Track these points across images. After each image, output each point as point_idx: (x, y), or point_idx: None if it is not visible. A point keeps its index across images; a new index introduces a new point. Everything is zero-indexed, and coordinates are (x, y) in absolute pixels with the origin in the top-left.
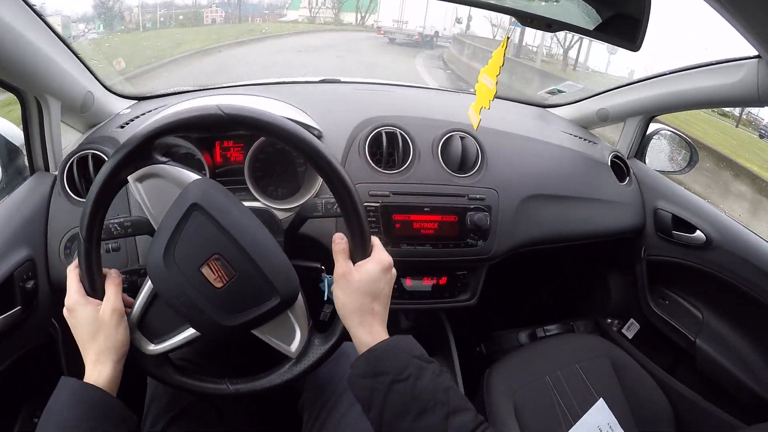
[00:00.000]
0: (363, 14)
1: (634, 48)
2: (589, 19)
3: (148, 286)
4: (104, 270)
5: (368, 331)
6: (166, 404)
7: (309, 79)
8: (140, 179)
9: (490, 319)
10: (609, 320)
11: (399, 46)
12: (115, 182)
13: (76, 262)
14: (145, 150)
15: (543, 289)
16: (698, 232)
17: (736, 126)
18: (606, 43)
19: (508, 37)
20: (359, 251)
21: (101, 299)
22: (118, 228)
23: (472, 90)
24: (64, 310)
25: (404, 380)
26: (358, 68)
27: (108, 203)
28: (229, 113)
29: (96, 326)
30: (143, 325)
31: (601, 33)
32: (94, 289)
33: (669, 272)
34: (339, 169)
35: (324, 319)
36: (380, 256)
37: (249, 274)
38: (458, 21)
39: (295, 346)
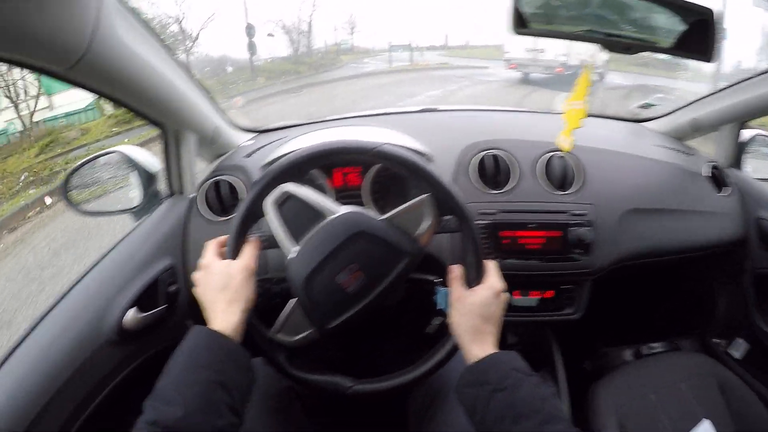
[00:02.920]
0: None
1: (707, 59)
2: (665, 37)
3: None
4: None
5: (479, 347)
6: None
7: (409, 109)
8: (280, 203)
9: (595, 336)
10: (715, 339)
11: (536, 86)
12: (270, 189)
13: (216, 239)
14: (301, 167)
15: (647, 305)
16: None
17: None
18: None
19: (586, 64)
20: (473, 277)
21: None
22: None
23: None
24: (197, 273)
25: (504, 389)
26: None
27: (261, 210)
28: (381, 150)
29: (227, 278)
30: (285, 324)
31: (676, 49)
32: (235, 253)
33: None
34: (466, 211)
35: (430, 332)
36: (492, 282)
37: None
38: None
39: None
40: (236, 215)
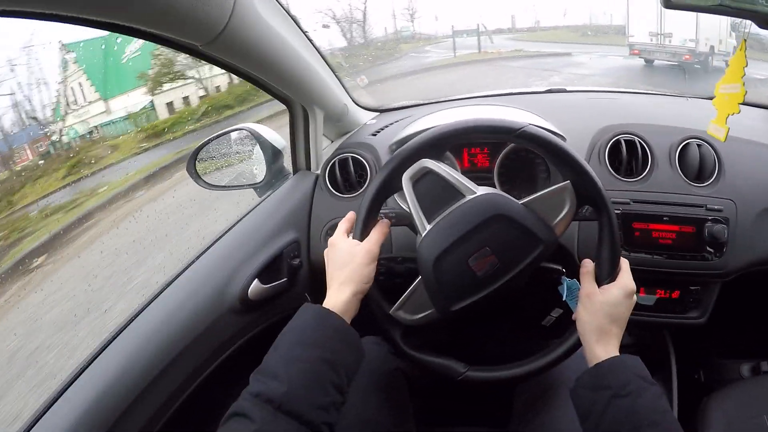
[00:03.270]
0: None
1: None
2: None
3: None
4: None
5: (603, 348)
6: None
7: (535, 90)
8: (416, 179)
9: (713, 345)
10: None
11: (660, 72)
12: (409, 162)
13: (348, 215)
14: (443, 143)
15: None
16: None
17: None
18: None
19: (745, 40)
20: (605, 275)
21: None
22: (383, 218)
23: (706, 96)
24: (327, 249)
25: (625, 396)
26: None
27: (398, 184)
28: (527, 131)
29: (348, 258)
30: (407, 302)
31: None
32: (362, 234)
33: None
34: (608, 203)
35: (547, 324)
36: (625, 282)
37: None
38: (734, 29)
39: None
40: (371, 185)
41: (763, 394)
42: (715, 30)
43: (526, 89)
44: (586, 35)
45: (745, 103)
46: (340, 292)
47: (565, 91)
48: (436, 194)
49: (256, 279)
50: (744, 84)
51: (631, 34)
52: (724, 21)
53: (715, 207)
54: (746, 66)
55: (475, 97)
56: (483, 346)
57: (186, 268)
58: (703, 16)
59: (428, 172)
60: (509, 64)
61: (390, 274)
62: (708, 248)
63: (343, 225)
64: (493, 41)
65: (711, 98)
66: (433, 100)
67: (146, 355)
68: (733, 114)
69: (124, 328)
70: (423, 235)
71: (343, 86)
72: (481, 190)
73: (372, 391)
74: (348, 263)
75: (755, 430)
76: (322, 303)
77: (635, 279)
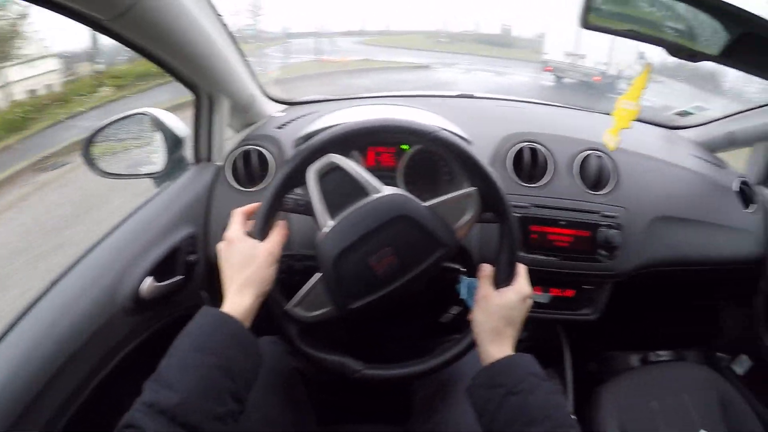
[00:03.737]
0: None
1: None
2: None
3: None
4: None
5: (498, 348)
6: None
7: (446, 93)
8: (323, 173)
9: (603, 339)
10: (720, 353)
11: (569, 91)
12: (316, 156)
13: (243, 207)
14: (352, 140)
15: (658, 313)
16: None
17: None
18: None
19: (650, 65)
20: (503, 279)
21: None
22: (293, 203)
23: (605, 111)
24: (221, 244)
25: (518, 393)
26: None
27: (303, 177)
28: (440, 136)
29: (249, 259)
30: (305, 299)
31: (740, 63)
32: (263, 232)
33: None
34: (510, 212)
35: (445, 321)
36: (521, 286)
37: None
38: (641, 56)
39: None
40: (277, 177)
41: (652, 382)
42: (625, 55)
43: (436, 92)
44: (439, 42)
45: (646, 122)
46: (242, 296)
47: (474, 96)
48: (342, 190)
49: (150, 276)
50: (639, 103)
51: (546, 51)
52: (634, 47)
53: (610, 214)
54: (645, 89)
55: (384, 97)
56: (382, 344)
57: (76, 263)
58: (617, 41)
59: (335, 168)
60: (353, 82)
61: (289, 272)
62: (601, 251)
63: (239, 217)
64: (337, 45)
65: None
66: (343, 97)
67: (35, 359)
68: (624, 129)
69: (7, 333)
70: (325, 231)
71: (252, 75)
72: (387, 190)
73: (270, 391)
74: (249, 265)
75: (645, 415)
76: (219, 300)
77: (532, 278)
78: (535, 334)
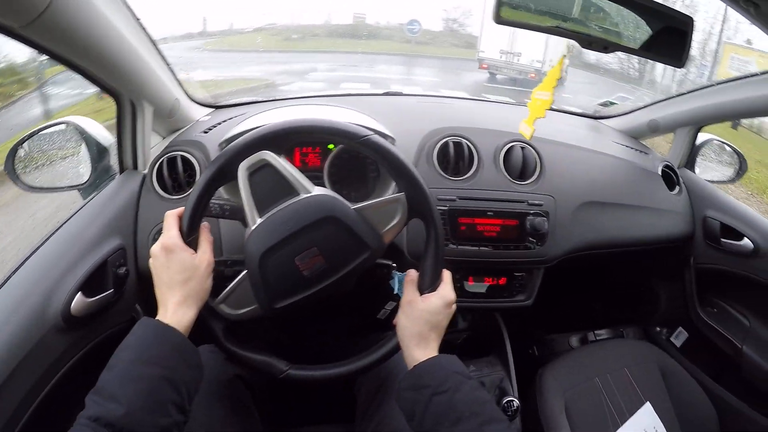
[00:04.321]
0: None
1: (680, 64)
2: (641, 40)
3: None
4: None
5: (422, 352)
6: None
7: (374, 92)
8: (253, 170)
9: (543, 323)
10: (658, 328)
11: (502, 87)
12: (249, 152)
13: (176, 210)
14: (285, 139)
15: (595, 295)
16: (746, 240)
17: None
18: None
19: (565, 55)
20: (428, 284)
21: (193, 248)
22: (218, 208)
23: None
24: (157, 248)
25: (443, 392)
26: None
27: (234, 173)
28: (371, 140)
29: (191, 272)
30: (230, 296)
31: (650, 53)
32: (191, 234)
33: (717, 280)
34: (436, 219)
35: (382, 317)
36: (445, 292)
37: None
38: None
39: None
40: (205, 173)
41: (591, 361)
42: (559, 52)
43: (363, 91)
44: (290, 39)
45: (572, 113)
46: (185, 309)
47: (401, 94)
48: (271, 189)
49: (80, 292)
50: (553, 94)
51: (482, 49)
52: (561, 44)
53: (536, 202)
54: (560, 79)
55: (311, 97)
56: (319, 344)
57: (1, 284)
58: (551, 39)
59: (266, 165)
60: None
61: (219, 278)
62: (530, 239)
63: (174, 220)
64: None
65: None
66: (269, 98)
67: None
68: (539, 118)
69: None
70: (252, 228)
71: (176, 79)
72: (317, 191)
73: (214, 400)
74: (191, 277)
75: (588, 392)
76: (154, 314)
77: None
78: (475, 323)
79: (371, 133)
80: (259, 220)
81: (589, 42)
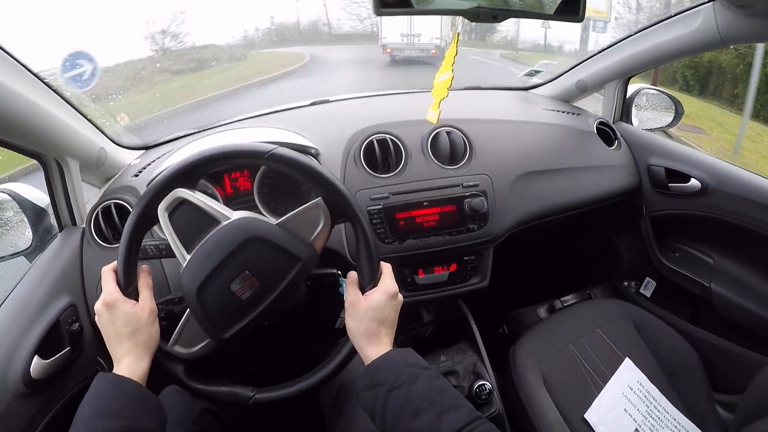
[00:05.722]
0: None
1: (578, 19)
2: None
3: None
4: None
5: (375, 349)
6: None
7: (300, 104)
8: (171, 209)
9: (508, 300)
10: (625, 283)
11: (405, 66)
12: (164, 193)
13: (111, 264)
14: (195, 172)
15: (556, 262)
16: (693, 180)
17: None
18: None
19: (458, 33)
20: (367, 281)
21: (134, 298)
22: (154, 249)
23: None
24: (100, 305)
25: (399, 387)
26: None
27: (154, 216)
28: (275, 153)
29: (136, 324)
30: (181, 335)
31: (546, 13)
32: (129, 285)
33: (674, 225)
34: (359, 214)
35: (340, 326)
36: (387, 285)
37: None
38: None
39: None
40: (127, 223)
41: (562, 328)
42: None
43: (290, 105)
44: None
45: (500, 88)
46: (138, 360)
47: (328, 101)
48: (193, 223)
49: (36, 355)
50: (453, 71)
51: (384, 36)
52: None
53: (471, 183)
54: (456, 55)
55: (239, 120)
56: (282, 363)
57: None
58: (445, 18)
59: (183, 202)
60: None
61: (169, 318)
62: (471, 221)
63: (110, 275)
64: None
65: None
66: (196, 129)
67: None
68: (443, 99)
69: None
70: (184, 266)
71: (97, 128)
72: (236, 215)
73: None
74: (137, 329)
75: (564, 360)
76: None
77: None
78: (440, 314)
79: (275, 147)
80: (188, 257)
81: (477, 15)
